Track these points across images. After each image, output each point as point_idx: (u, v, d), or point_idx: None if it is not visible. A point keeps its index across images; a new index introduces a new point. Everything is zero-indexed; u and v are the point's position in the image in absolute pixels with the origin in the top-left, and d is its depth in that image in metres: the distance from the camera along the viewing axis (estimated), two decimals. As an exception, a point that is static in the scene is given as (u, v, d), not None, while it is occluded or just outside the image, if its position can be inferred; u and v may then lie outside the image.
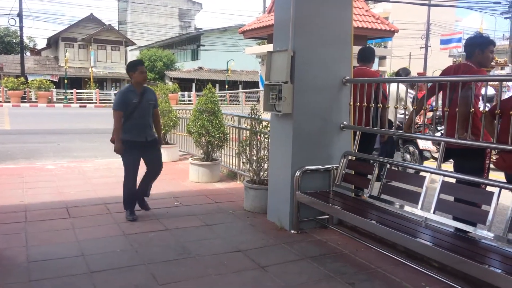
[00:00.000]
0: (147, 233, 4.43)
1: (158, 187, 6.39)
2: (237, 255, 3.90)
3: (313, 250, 4.01)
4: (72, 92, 33.09)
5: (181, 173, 7.43)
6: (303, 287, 3.29)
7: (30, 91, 31.17)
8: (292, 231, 4.49)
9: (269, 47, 5.13)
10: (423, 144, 7.29)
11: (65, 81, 33.82)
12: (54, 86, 33.36)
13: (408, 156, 7.49)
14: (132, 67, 4.83)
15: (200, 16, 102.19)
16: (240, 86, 40.79)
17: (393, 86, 5.02)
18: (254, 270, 3.57)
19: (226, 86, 39.65)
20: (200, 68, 42.25)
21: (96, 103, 32.75)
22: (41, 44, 50.91)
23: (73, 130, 12.30)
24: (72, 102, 32.08)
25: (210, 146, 6.77)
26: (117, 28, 48.07)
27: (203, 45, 42.75)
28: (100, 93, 34.05)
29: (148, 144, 4.88)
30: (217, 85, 38.60)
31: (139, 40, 46.75)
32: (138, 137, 4.78)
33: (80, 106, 30.90)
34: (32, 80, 31.68)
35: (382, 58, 37.24)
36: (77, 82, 37.42)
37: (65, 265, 3.59)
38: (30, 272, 3.44)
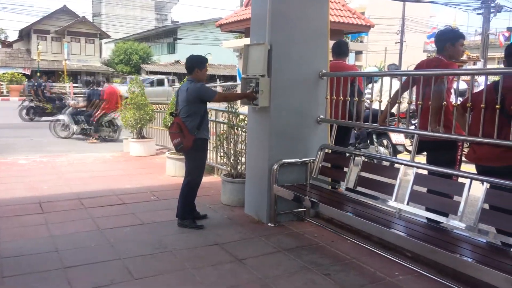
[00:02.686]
0: (122, 227, 4.38)
1: (134, 182, 6.34)
2: (214, 248, 3.90)
3: (290, 243, 4.05)
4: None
5: (158, 167, 7.37)
6: (280, 278, 3.32)
7: (2, 85, 30.31)
8: (270, 224, 4.52)
9: (246, 41, 5.12)
10: (396, 138, 7.42)
11: (38, 74, 32.95)
12: (27, 80, 32.51)
13: (381, 149, 7.61)
14: (201, 63, 4.39)
15: (177, 9, 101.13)
16: (218, 80, 40.58)
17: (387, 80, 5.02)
18: (231, 263, 3.57)
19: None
20: (177, 61, 41.79)
21: (70, 96, 32.04)
22: (13, 36, 49.51)
23: (47, 124, 12.00)
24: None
25: (187, 140, 6.72)
26: (91, 20, 47.12)
27: (180, 39, 42.29)
28: (74, 87, 33.28)
29: None
30: (195, 79, 38.23)
31: (114, 33, 45.87)
32: (209, 136, 4.75)
33: (54, 100, 30.17)
34: (4, 73, 30.81)
35: (359, 53, 37.57)
36: (50, 75, 36.53)
37: (39, 261, 3.53)
38: (3, 269, 3.36)
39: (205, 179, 6.59)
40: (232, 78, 35.51)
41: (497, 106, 3.02)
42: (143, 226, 4.46)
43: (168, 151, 7.48)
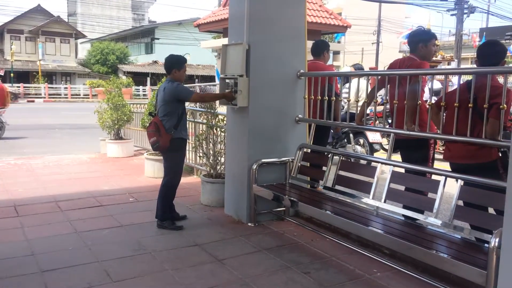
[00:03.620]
0: (100, 230, 4.32)
1: (112, 183, 6.26)
2: (194, 249, 3.88)
3: (270, 242, 4.06)
4: (19, 86, 31.57)
5: (136, 169, 7.29)
6: (260, 278, 3.33)
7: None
8: (249, 224, 4.52)
9: (224, 41, 5.12)
10: (372, 137, 7.54)
11: (11, 75, 32.25)
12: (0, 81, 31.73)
13: (358, 148, 7.72)
14: (179, 63, 4.37)
15: (154, 8, 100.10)
16: (197, 80, 40.37)
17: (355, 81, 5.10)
18: (211, 263, 3.57)
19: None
20: (155, 61, 41.43)
21: (45, 97, 31.44)
22: (-16, 35, 48.13)
23: (21, 126, 11.75)
24: (19, 97, 30.63)
25: (165, 141, 6.68)
26: (66, 20, 46.27)
27: (158, 38, 41.94)
28: (49, 87, 32.73)
29: None
30: (173, 80, 37.97)
31: (90, 33, 45.18)
32: (187, 136, 4.62)
33: (28, 101, 29.54)
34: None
35: (336, 53, 38.00)
36: (25, 76, 35.77)
37: (15, 265, 3.45)
38: (-25, 274, 3.28)
39: (185, 179, 6.58)
40: (211, 78, 35.38)
41: (470, 105, 3.10)
42: (121, 228, 4.41)
43: (146, 152, 7.40)
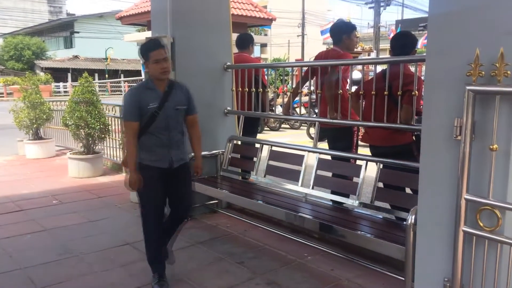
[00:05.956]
0: (22, 236, 4.06)
1: (33, 186, 5.90)
2: (125, 248, 3.78)
3: (203, 235, 4.06)
4: None
5: (59, 169, 6.92)
6: (194, 272, 3.32)
7: None
8: (182, 219, 4.48)
9: (148, 34, 4.99)
10: None
11: None
12: None
13: None
14: (144, 51, 2.97)
15: (72, 1, 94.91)
16: (122, 75, 38.99)
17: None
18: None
19: (106, 75, 37.55)
20: (76, 56, 39.34)
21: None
22: None
23: None
24: None
25: (90, 139, 6.42)
26: (-27, 13, 42.54)
27: (78, 32, 39.84)
28: None
29: (175, 172, 3.09)
30: (96, 75, 36.33)
31: (2, 27, 41.90)
32: (160, 161, 3.02)
33: None
34: None
35: (263, 45, 38.45)
36: None
37: None
38: None
39: (113, 178, 6.38)
40: (137, 73, 34.33)
41: (385, 93, 3.29)
42: (45, 232, 4.18)
43: (70, 151, 7.05)
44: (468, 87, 1.95)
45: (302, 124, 12.18)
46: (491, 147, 1.90)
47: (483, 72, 1.94)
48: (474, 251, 2.01)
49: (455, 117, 2.02)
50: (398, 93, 3.20)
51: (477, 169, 1.99)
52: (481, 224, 1.97)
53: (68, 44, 42.75)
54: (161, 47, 2.95)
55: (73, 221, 4.41)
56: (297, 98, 6.84)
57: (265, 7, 26.92)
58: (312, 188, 3.84)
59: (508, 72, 1.88)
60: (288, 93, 4.50)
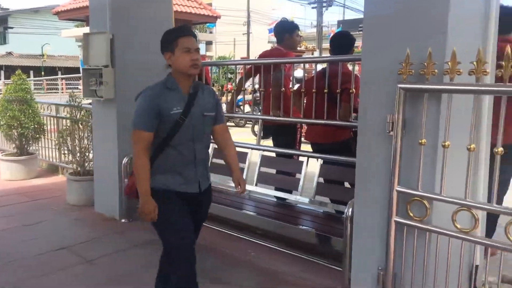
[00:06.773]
0: None
1: (-41, 190, 5.50)
2: (62, 252, 3.62)
3: (145, 236, 3.95)
4: None
5: (-11, 172, 6.50)
6: (133, 274, 3.24)
7: None
8: (123, 220, 4.36)
9: (87, 30, 4.81)
10: None
11: None
12: None
13: None
14: (170, 38, 2.40)
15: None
16: (60, 72, 37.26)
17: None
18: (81, 264, 3.37)
19: (43, 73, 35.76)
20: (9, 53, 37.11)
21: None
22: None
23: None
24: None
25: (24, 139, 6.10)
26: None
27: (12, 27, 37.63)
28: None
29: (199, 197, 2.47)
30: (32, 72, 34.50)
31: None
32: (187, 184, 2.38)
33: None
34: None
35: (209, 43, 38.24)
36: None
37: None
38: None
39: (48, 180, 6.09)
40: (76, 70, 32.97)
41: (325, 91, 3.38)
42: (-27, 239, 3.92)
43: (1, 152, 6.64)
44: (399, 85, 2.05)
45: (247, 122, 12.25)
46: (420, 141, 2.01)
47: (413, 71, 2.04)
48: (405, 240, 2.12)
49: (387, 113, 2.11)
50: (337, 91, 3.30)
51: (408, 162, 2.10)
52: (411, 214, 2.08)
53: (2, 40, 40.24)
54: (193, 35, 2.35)
55: (5, 226, 4.16)
56: (241, 96, 6.87)
57: (210, 4, 26.77)
58: (256, 185, 3.87)
59: (436, 70, 1.99)
60: (233, 91, 4.50)
